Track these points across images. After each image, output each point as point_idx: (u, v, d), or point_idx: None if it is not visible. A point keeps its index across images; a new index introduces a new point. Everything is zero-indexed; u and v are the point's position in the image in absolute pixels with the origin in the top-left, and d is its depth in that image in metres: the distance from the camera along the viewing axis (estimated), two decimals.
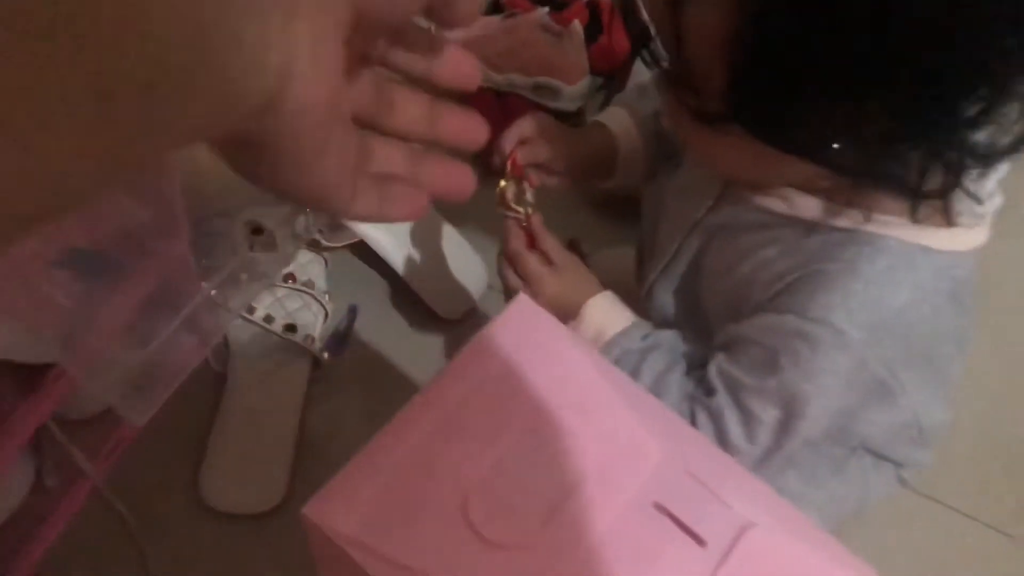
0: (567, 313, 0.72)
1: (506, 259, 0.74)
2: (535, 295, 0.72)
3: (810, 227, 0.63)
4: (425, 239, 1.02)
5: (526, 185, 0.73)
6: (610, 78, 1.20)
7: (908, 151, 0.54)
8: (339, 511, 0.44)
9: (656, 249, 0.80)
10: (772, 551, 0.45)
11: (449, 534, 0.43)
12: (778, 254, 0.65)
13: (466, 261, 1.04)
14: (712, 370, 0.66)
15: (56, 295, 0.66)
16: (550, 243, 0.74)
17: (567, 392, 0.48)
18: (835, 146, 0.53)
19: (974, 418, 1.05)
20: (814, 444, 0.67)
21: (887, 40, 0.47)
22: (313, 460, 0.93)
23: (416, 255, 1.01)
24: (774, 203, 0.65)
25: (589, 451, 0.46)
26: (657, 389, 0.67)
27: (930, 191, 0.56)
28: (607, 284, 1.02)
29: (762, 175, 0.64)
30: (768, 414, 0.64)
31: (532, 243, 0.74)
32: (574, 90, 1.14)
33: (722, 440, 0.65)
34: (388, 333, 1.03)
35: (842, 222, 0.62)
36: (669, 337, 0.71)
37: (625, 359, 0.69)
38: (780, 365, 0.62)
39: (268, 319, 0.96)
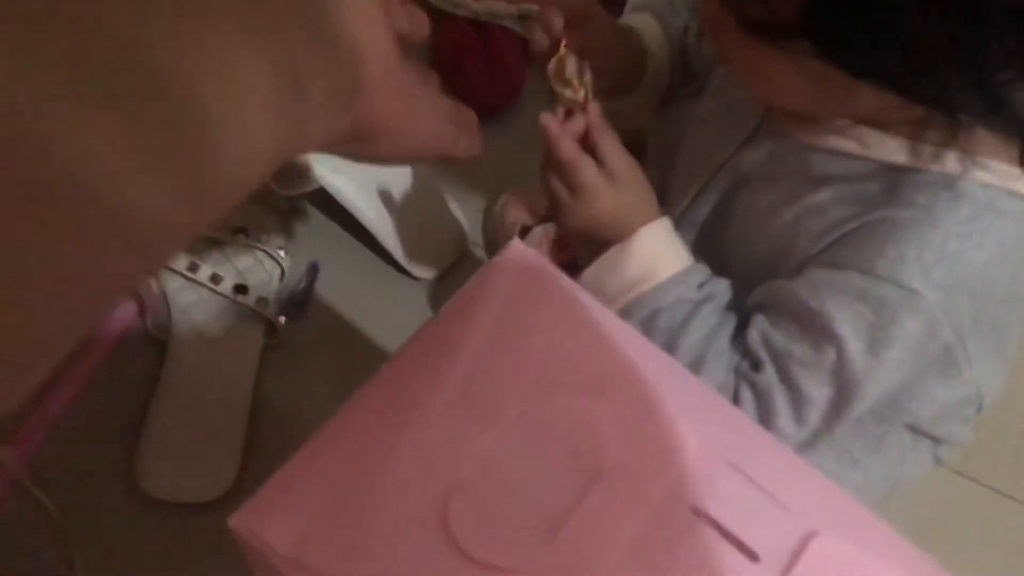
0: (614, 235, 0.59)
1: (555, 166, 0.60)
2: (580, 211, 0.59)
3: (876, 169, 0.54)
4: (395, 187, 0.91)
5: (586, 64, 0.58)
6: (605, 4, 1.09)
7: None
8: (275, 522, 0.34)
9: (671, 192, 0.70)
10: (840, 567, 0.35)
11: (420, 552, 0.34)
12: (832, 199, 0.56)
13: (443, 212, 0.94)
14: (754, 337, 0.57)
15: None
16: (610, 142, 0.59)
17: (576, 365, 0.38)
18: (935, 75, 0.44)
19: (1007, 393, 0.99)
20: (858, 421, 0.58)
21: None
22: (267, 441, 0.83)
23: (385, 205, 0.90)
24: (839, 142, 0.56)
25: (606, 441, 0.36)
26: (703, 353, 0.57)
27: None
28: None
29: (825, 106, 0.54)
30: (821, 392, 0.55)
31: (583, 140, 0.60)
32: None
33: (766, 423, 0.55)
34: (354, 295, 0.93)
35: (919, 163, 0.52)
36: (723, 288, 0.60)
37: (676, 309, 0.58)
38: (838, 334, 0.53)
39: (215, 279, 0.85)
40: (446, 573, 0.33)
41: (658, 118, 0.75)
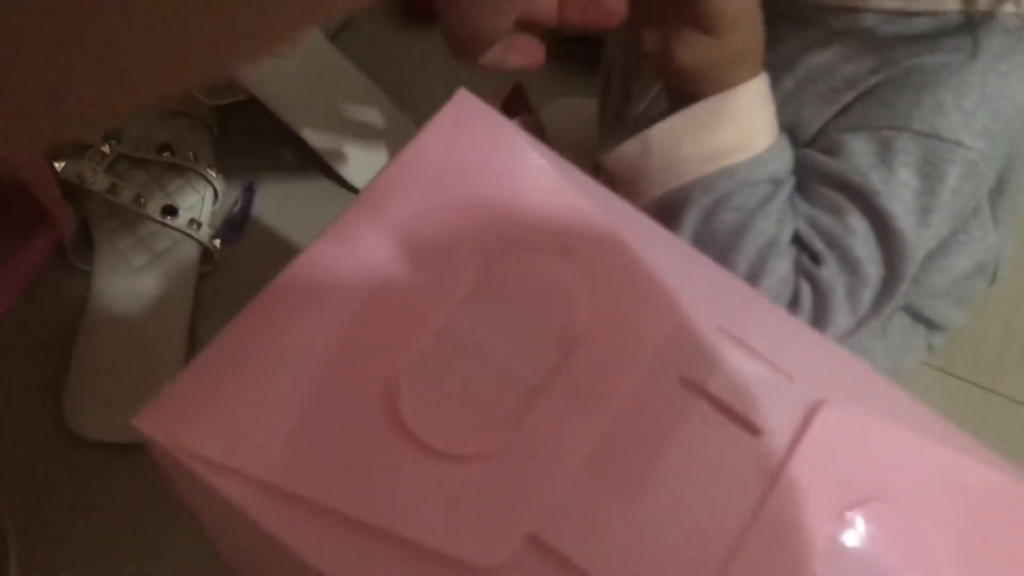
0: (713, 83, 0.49)
1: None
2: (688, 49, 0.48)
3: (885, 19, 0.49)
4: (334, 94, 0.85)
5: None
6: None
7: None
8: (189, 418, 0.29)
9: (637, 82, 0.64)
10: (854, 438, 0.31)
11: (365, 442, 0.29)
12: (839, 58, 0.51)
13: (387, 119, 0.88)
14: (801, 226, 0.52)
15: None
16: None
17: (543, 228, 0.33)
18: None
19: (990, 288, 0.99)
20: None
21: None
22: None
23: (324, 115, 0.84)
24: None
25: (576, 308, 0.31)
26: (776, 238, 0.51)
27: None
28: (563, 139, 0.87)
29: None
30: (877, 272, 0.51)
31: None
32: None
33: (822, 320, 0.52)
34: (295, 215, 0.87)
35: (939, 5, 0.47)
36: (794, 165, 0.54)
37: (759, 187, 0.51)
38: (887, 210, 0.49)
39: (139, 201, 0.79)
40: (395, 466, 0.28)
41: None
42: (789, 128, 0.54)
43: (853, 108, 0.51)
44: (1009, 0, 0.47)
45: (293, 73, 0.83)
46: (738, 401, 0.31)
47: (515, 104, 0.87)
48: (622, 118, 0.70)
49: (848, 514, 0.30)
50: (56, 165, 0.77)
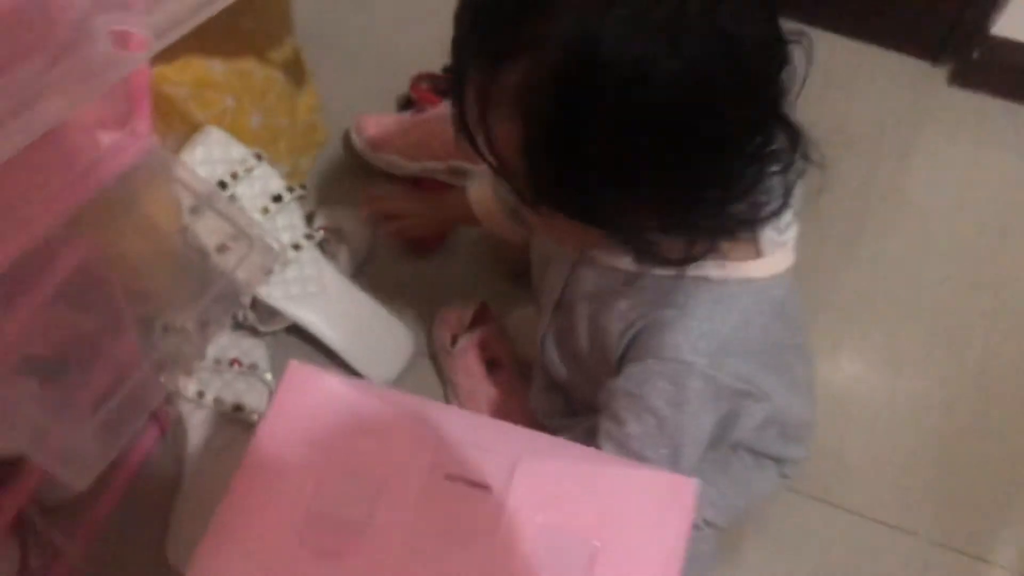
0: None
1: None
2: None
3: (650, 280, 0.78)
4: (351, 315, 1.21)
5: None
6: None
7: (675, 224, 0.69)
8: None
9: (542, 305, 0.96)
10: (545, 474, 0.63)
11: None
12: (628, 306, 0.80)
13: (391, 328, 1.23)
14: (603, 441, 0.80)
15: (22, 400, 0.77)
16: None
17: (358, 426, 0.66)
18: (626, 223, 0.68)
19: (868, 421, 1.25)
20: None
21: (623, 148, 0.62)
22: None
23: (345, 330, 1.20)
24: (617, 260, 0.80)
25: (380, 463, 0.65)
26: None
27: (695, 253, 0.73)
28: (527, 341, 1.19)
29: (583, 241, 0.81)
30: (658, 453, 0.78)
31: None
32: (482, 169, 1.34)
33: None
34: None
35: (676, 271, 0.76)
36: None
37: None
38: (652, 405, 0.77)
39: (218, 401, 1.15)
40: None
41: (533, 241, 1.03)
42: (605, 352, 0.82)
43: (634, 344, 0.79)
44: (715, 268, 0.74)
45: (321, 303, 1.20)
46: (477, 475, 0.63)
47: (481, 318, 1.23)
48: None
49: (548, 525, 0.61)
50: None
